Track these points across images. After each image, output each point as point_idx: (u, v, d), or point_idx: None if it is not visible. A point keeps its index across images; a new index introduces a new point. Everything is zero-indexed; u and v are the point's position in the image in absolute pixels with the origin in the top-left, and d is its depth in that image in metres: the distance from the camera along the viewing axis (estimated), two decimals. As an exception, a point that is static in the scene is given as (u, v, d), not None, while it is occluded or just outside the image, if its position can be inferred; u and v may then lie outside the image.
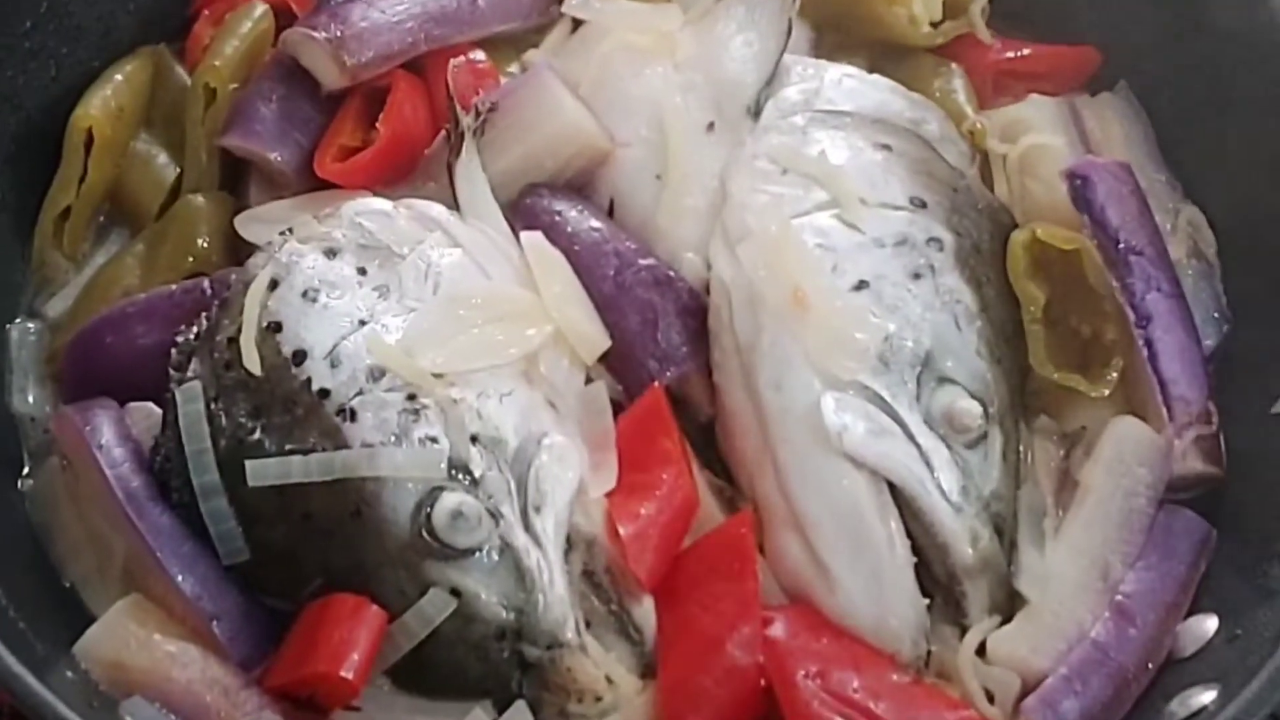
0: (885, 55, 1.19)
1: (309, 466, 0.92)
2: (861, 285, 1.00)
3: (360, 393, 0.94)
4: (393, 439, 0.93)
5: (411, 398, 0.94)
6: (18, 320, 1.13)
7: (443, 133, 1.09)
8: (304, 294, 0.98)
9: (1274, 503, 1.01)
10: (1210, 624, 0.98)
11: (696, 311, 1.04)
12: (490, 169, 1.07)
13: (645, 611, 0.95)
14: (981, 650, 0.96)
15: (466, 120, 1.06)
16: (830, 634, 0.95)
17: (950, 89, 1.17)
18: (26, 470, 1.07)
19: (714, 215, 1.06)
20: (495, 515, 0.92)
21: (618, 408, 1.02)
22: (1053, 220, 1.07)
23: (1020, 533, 1.00)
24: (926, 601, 0.96)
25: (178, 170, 1.16)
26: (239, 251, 1.09)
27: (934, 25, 1.19)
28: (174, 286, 1.06)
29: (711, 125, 1.09)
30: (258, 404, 0.96)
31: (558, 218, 1.06)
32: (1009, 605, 0.98)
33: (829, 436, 0.96)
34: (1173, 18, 1.16)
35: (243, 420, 0.96)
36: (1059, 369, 1.03)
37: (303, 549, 0.94)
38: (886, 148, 1.07)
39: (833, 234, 1.02)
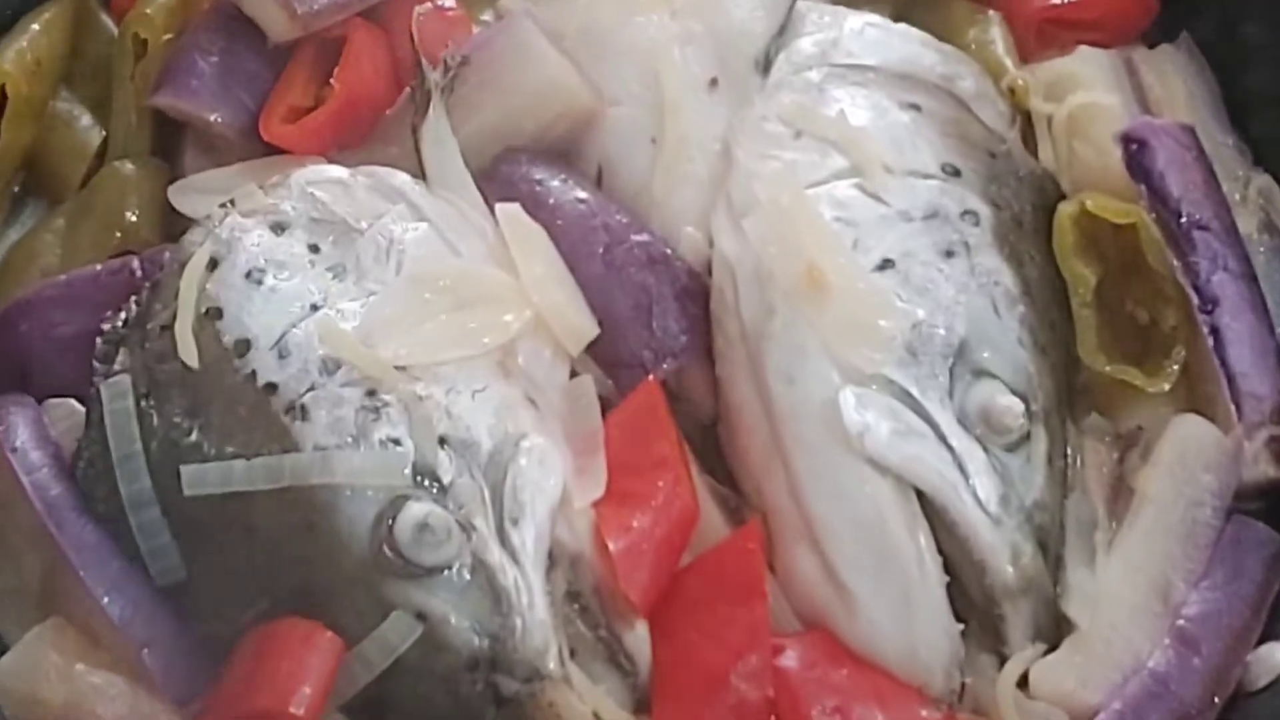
0: (913, 1, 1.19)
1: (254, 472, 0.93)
2: (886, 264, 1.00)
3: (312, 388, 0.95)
4: (349, 441, 0.93)
5: (371, 394, 0.95)
6: (-80, 306, 1.13)
7: (406, 91, 1.09)
8: (247, 275, 0.98)
9: (1358, 514, 1.01)
10: (1285, 652, 0.98)
11: (697, 294, 1.04)
12: (461, 132, 1.06)
13: (638, 638, 0.95)
14: (1024, 682, 0.96)
15: (434, 76, 1.06)
16: (850, 664, 0.95)
17: (987, 40, 1.17)
18: (-70, 477, 1.06)
19: (717, 184, 1.06)
20: (466, 528, 0.92)
21: (607, 405, 1.02)
22: (1105, 190, 1.07)
23: (1068, 548, 0.99)
24: (961, 627, 0.96)
25: (103, 133, 1.16)
26: (173, 226, 1.09)
27: (968, -34, 1.20)
28: (99, 267, 1.06)
29: (714, 81, 1.09)
30: (195, 401, 0.96)
31: (538, 187, 1.05)
32: (1055, 631, 0.97)
33: (849, 437, 0.95)
34: (1241, -41, 1.17)
35: (178, 420, 0.96)
36: (1112, 360, 1.03)
37: (247, 567, 0.94)
38: (915, 107, 1.07)
39: (853, 206, 1.02)
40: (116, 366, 0.99)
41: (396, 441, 0.93)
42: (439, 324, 0.98)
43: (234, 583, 0.94)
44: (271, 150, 1.10)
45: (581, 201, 1.05)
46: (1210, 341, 1.02)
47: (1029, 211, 1.06)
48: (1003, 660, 0.96)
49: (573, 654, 0.93)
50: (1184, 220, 1.04)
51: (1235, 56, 1.17)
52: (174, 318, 0.97)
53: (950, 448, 0.96)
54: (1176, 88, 1.16)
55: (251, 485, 0.92)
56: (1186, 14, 1.19)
